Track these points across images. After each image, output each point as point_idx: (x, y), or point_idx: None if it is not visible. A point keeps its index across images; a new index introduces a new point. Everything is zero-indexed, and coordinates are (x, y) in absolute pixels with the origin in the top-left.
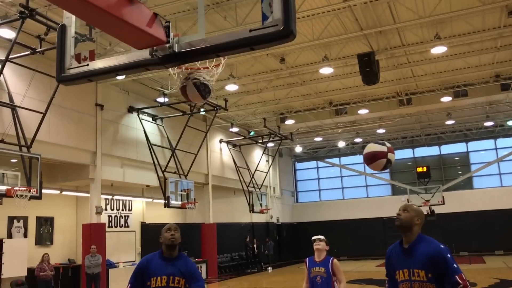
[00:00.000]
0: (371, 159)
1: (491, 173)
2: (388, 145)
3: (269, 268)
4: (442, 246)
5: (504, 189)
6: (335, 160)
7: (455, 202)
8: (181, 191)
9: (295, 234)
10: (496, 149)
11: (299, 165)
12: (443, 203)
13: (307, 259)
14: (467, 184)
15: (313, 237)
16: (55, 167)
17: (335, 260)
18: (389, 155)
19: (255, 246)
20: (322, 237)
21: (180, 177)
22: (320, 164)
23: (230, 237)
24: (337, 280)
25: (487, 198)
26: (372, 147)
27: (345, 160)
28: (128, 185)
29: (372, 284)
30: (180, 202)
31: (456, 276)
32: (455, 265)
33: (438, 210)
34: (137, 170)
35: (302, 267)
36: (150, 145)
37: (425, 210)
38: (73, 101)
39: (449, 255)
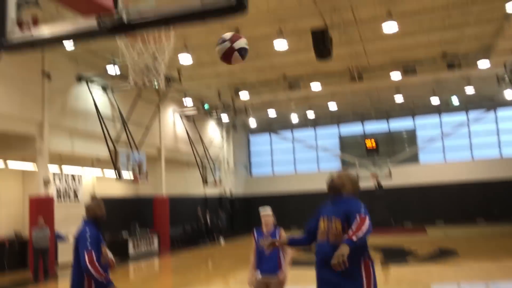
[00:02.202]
0: (226, 59)
1: (435, 148)
2: (229, 37)
3: (222, 240)
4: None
5: (447, 164)
6: (288, 134)
7: (401, 176)
8: (133, 164)
9: (248, 207)
10: (441, 125)
11: (252, 138)
12: (390, 177)
13: (254, 230)
14: (413, 159)
15: (260, 209)
16: (0, 138)
17: (283, 231)
18: (236, 44)
19: (207, 218)
20: (268, 208)
21: (131, 150)
22: (274, 137)
23: (183, 210)
24: (284, 251)
25: (431, 172)
26: (218, 51)
27: (298, 133)
28: (77, 157)
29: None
30: (132, 175)
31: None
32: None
33: (385, 183)
34: (87, 142)
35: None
36: (100, 116)
37: (373, 183)
38: (18, 69)
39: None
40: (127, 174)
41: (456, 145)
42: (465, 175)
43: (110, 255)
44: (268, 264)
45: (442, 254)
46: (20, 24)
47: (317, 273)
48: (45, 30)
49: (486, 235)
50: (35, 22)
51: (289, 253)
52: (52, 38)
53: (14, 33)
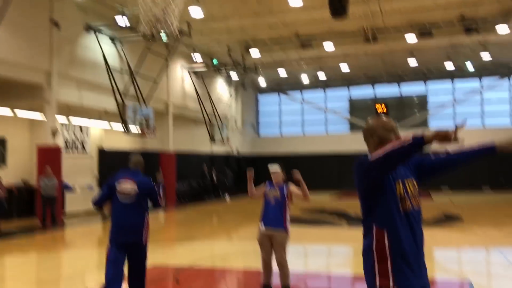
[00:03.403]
0: None
1: (446, 114)
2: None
3: (227, 197)
4: None
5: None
6: (298, 94)
7: None
8: (140, 118)
9: (254, 167)
10: (453, 90)
11: (261, 98)
12: None
13: (267, 181)
14: (423, 124)
15: (269, 166)
16: (8, 86)
17: (292, 185)
18: None
19: (214, 175)
20: (276, 165)
21: (139, 104)
22: (282, 98)
23: (190, 166)
24: (301, 194)
25: None
26: None
27: (307, 95)
28: (85, 109)
29: (325, 213)
30: (139, 129)
31: None
32: None
33: None
34: (95, 94)
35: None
36: (108, 68)
37: None
38: (25, 16)
39: None
40: (135, 128)
41: (467, 112)
42: (476, 141)
43: None
44: (272, 217)
45: (447, 219)
46: None
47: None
48: None
49: (492, 202)
50: None
51: (306, 195)
52: None
53: None
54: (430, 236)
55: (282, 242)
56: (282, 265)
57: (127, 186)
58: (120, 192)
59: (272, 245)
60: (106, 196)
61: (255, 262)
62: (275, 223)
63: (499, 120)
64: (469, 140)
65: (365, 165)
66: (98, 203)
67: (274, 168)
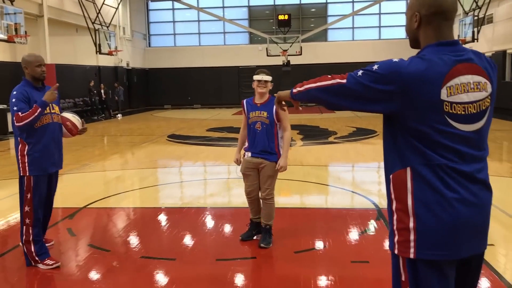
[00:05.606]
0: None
1: (345, 26)
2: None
3: (119, 115)
4: None
5: (355, 43)
6: (193, 2)
7: (309, 54)
8: (7, 21)
9: (146, 81)
10: (353, 2)
11: (152, 5)
12: (301, 54)
13: (244, 101)
14: (322, 36)
15: (258, 75)
16: None
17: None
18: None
19: (102, 91)
20: (265, 72)
21: (4, 2)
22: (176, 5)
23: (73, 81)
24: (281, 127)
25: (339, 51)
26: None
27: (203, 2)
28: None
29: (233, 132)
30: (6, 35)
31: None
32: None
33: (294, 61)
34: None
35: (159, 113)
36: None
37: (281, 60)
38: None
39: None
40: (0, 34)
41: (365, 24)
42: (372, 54)
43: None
44: (261, 145)
45: (362, 134)
46: None
47: None
48: None
49: None
50: None
51: (288, 130)
52: None
53: None
54: (353, 149)
55: (272, 174)
56: (268, 200)
57: None
58: None
59: (259, 177)
60: None
61: (152, 200)
62: (264, 151)
63: (395, 33)
64: (366, 51)
65: None
66: None
67: (261, 75)
